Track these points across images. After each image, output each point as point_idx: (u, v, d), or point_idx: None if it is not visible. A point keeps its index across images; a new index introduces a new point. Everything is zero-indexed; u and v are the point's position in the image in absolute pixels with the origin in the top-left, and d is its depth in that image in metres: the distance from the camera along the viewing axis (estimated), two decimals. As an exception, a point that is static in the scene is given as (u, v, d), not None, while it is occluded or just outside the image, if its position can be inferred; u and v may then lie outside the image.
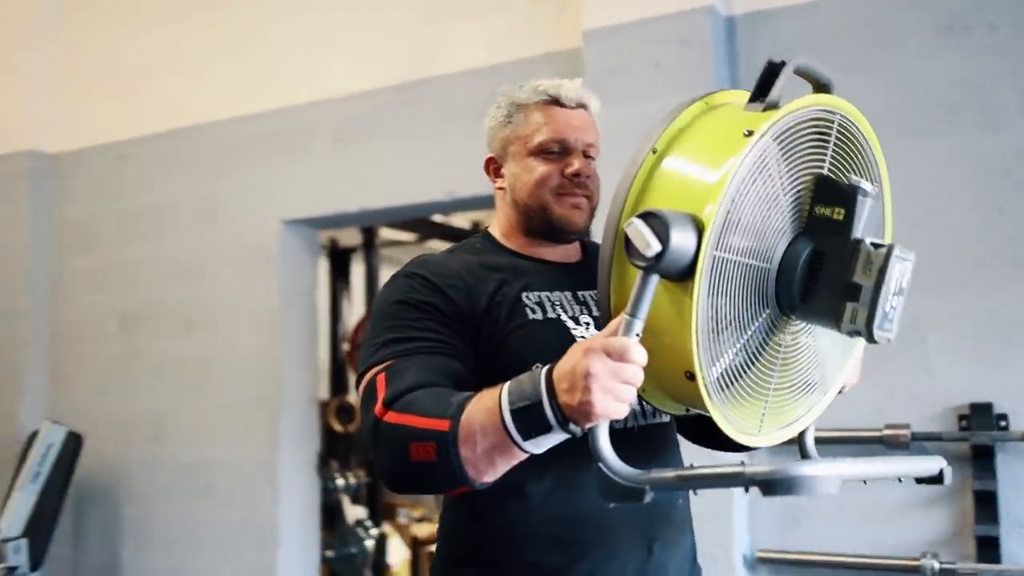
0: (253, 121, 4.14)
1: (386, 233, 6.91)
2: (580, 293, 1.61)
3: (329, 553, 4.84)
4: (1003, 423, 2.68)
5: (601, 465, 1.14)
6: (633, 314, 1.14)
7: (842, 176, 1.32)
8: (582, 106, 1.65)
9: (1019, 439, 2.64)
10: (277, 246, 4.04)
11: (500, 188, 1.67)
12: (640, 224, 1.12)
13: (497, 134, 1.67)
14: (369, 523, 5.08)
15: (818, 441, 2.88)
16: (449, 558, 1.56)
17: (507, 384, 1.23)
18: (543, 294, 1.57)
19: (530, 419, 1.18)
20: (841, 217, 1.23)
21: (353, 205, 3.90)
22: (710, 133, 1.26)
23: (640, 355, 1.13)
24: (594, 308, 1.59)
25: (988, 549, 2.66)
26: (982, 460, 2.68)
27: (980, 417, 2.69)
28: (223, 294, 4.16)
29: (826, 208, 1.25)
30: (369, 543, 4.88)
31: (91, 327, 4.51)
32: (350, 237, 6.72)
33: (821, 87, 1.42)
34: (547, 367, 1.20)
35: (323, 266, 6.92)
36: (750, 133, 1.18)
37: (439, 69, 3.70)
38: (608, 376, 1.11)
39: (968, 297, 2.76)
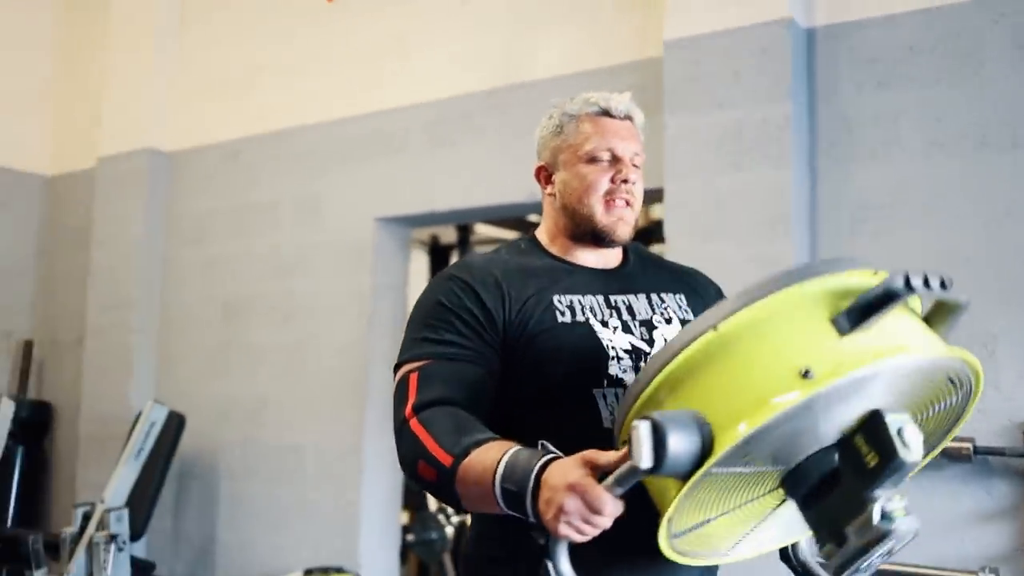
0: (353, 123, 4.34)
1: (487, 231, 7.09)
2: (612, 297, 1.68)
3: (410, 537, 5.02)
4: (1069, 441, 2.66)
5: (551, 572, 1.22)
6: (613, 487, 1.18)
7: (915, 410, 1.25)
8: (629, 118, 1.72)
9: (1084, 457, 2.63)
10: (371, 242, 4.23)
11: (550, 194, 1.76)
12: (645, 432, 1.09)
13: (548, 144, 1.76)
14: (451, 511, 5.24)
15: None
16: (481, 557, 1.65)
17: (507, 455, 1.32)
18: (575, 298, 1.65)
19: (513, 500, 1.30)
20: (871, 466, 1.12)
21: (442, 204, 4.06)
22: (780, 342, 1.14)
23: (613, 510, 1.20)
24: (624, 312, 1.67)
25: (1049, 567, 2.65)
26: (1046, 477, 2.67)
27: (1045, 433, 2.68)
28: (319, 287, 4.37)
29: (864, 444, 1.14)
30: (449, 530, 5.04)
31: (197, 315, 4.79)
32: (451, 234, 6.92)
33: (945, 310, 1.24)
34: (543, 461, 1.28)
35: (423, 261, 7.16)
36: (807, 374, 1.08)
37: (527, 76, 3.83)
38: (577, 516, 1.20)
39: (1039, 312, 2.75)
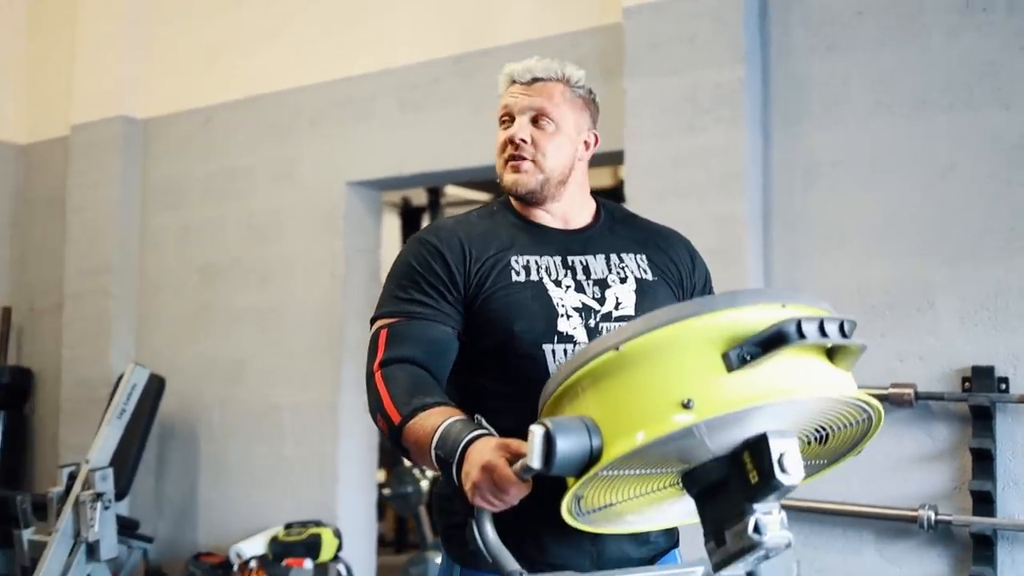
0: (323, 88, 4.43)
1: (457, 192, 7.19)
2: (569, 258, 1.78)
3: (386, 491, 5.18)
4: (1003, 386, 2.82)
5: (479, 538, 1.38)
6: (519, 473, 1.31)
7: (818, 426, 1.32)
8: (537, 80, 1.78)
9: (1017, 401, 2.79)
10: (342, 206, 4.34)
11: None
12: (538, 437, 1.21)
13: None
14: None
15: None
16: (443, 493, 1.78)
17: (443, 425, 1.48)
18: (532, 258, 1.76)
19: (443, 465, 1.47)
20: (753, 482, 1.21)
21: (411, 168, 4.17)
22: (671, 370, 1.20)
23: (518, 492, 1.34)
24: (579, 272, 1.77)
25: (983, 504, 2.81)
26: (981, 420, 2.83)
27: (981, 379, 2.83)
28: (294, 250, 4.49)
29: (750, 461, 1.22)
30: (424, 484, 5.19)
31: (175, 280, 4.89)
32: (422, 196, 7.02)
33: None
34: (470, 438, 1.43)
35: (395, 223, 7.26)
36: (687, 404, 1.16)
37: (491, 42, 3.92)
38: (487, 490, 1.36)
39: (976, 265, 2.90)
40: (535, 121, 1.77)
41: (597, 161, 3.69)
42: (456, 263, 1.73)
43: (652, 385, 1.20)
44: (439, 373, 1.69)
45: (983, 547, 2.81)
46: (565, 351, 1.69)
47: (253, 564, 3.94)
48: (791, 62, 3.25)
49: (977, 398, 2.81)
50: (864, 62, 3.13)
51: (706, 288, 1.93)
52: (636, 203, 3.34)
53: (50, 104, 5.49)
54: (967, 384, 2.87)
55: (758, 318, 1.19)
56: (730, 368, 1.17)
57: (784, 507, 1.26)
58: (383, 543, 5.97)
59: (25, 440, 5.35)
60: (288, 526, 4.10)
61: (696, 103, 3.28)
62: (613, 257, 1.80)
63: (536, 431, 1.22)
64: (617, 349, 1.22)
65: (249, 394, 4.53)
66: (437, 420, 1.50)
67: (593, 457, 1.21)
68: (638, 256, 1.82)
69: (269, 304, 4.53)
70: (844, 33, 3.17)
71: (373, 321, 1.75)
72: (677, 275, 1.86)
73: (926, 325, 2.96)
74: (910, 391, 2.91)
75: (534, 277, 1.73)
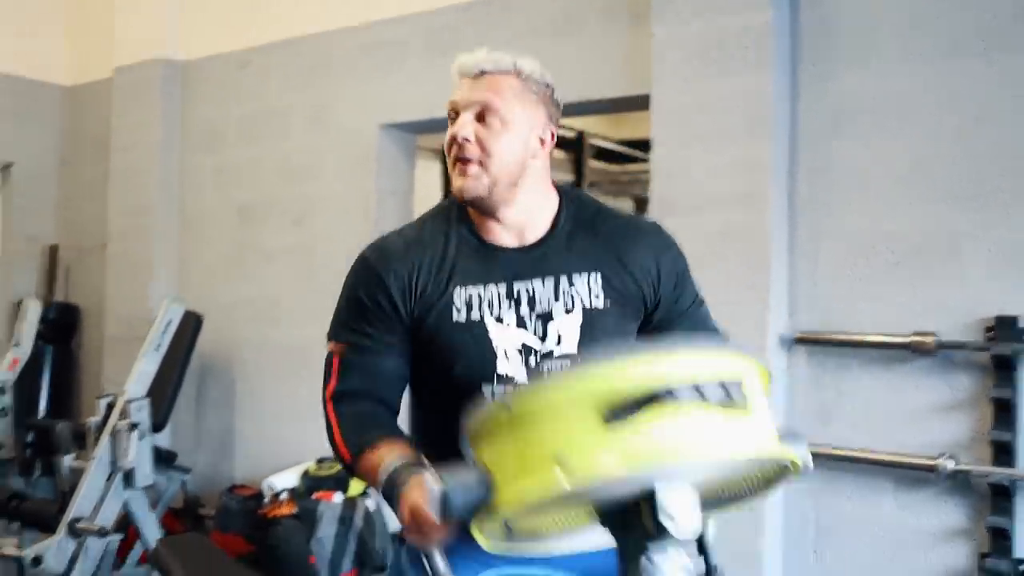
0: (356, 32, 4.44)
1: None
2: (516, 287, 1.69)
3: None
4: (1027, 336, 2.78)
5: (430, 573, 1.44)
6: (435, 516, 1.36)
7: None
8: (484, 73, 1.69)
9: (1040, 351, 2.75)
10: (375, 148, 4.37)
11: None
12: (435, 496, 1.29)
13: None
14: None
15: (845, 345, 3.03)
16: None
17: (383, 466, 1.54)
18: (476, 291, 1.69)
19: (390, 504, 1.54)
20: (648, 528, 1.24)
21: (442, 111, 4.13)
22: (553, 431, 1.20)
23: (439, 533, 1.39)
24: (523, 304, 1.69)
25: (1003, 454, 2.79)
26: (1003, 370, 2.79)
27: (1005, 329, 2.79)
28: (328, 192, 4.53)
29: (646, 509, 1.24)
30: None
31: (214, 219, 4.98)
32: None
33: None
34: (400, 480, 1.48)
35: (438, 168, 7.28)
36: (564, 467, 1.18)
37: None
38: (414, 532, 1.44)
39: (1005, 213, 2.84)
40: (481, 118, 1.67)
41: (628, 106, 3.72)
42: (401, 298, 1.70)
43: (537, 444, 1.21)
44: (391, 399, 1.74)
45: (1001, 498, 2.80)
46: (504, 392, 1.67)
47: (284, 496, 4.04)
48: (820, 5, 3.18)
49: (999, 348, 2.78)
50: (895, 5, 3.05)
51: (677, 288, 1.80)
52: (662, 148, 3.32)
53: (94, 47, 5.59)
54: (990, 334, 2.83)
55: (636, 379, 1.18)
56: (607, 429, 1.17)
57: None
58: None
59: (72, 374, 5.53)
60: (320, 461, 4.18)
61: (723, 47, 3.23)
62: (563, 281, 1.71)
63: (433, 490, 1.30)
64: (508, 409, 1.26)
65: (283, 332, 4.62)
66: (378, 460, 1.57)
67: (488, 510, 1.28)
68: (591, 277, 1.72)
69: (303, 244, 4.60)
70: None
71: (328, 338, 1.78)
72: (636, 292, 1.75)
73: (951, 274, 2.92)
74: (931, 340, 2.88)
75: (475, 316, 1.69)
